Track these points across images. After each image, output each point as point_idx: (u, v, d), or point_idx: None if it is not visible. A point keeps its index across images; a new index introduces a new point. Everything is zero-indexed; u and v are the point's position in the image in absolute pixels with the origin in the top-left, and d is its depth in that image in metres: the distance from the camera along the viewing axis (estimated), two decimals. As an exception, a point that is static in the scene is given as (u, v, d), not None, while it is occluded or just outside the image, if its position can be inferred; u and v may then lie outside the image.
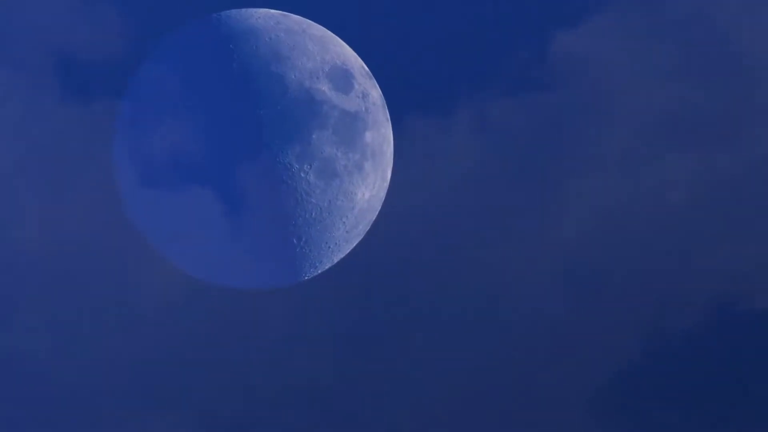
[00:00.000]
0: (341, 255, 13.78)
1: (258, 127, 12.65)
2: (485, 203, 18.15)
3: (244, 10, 13.43)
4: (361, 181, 13.20)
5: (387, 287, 17.93)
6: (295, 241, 13.07)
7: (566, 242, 18.27)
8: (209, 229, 13.14)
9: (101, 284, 17.68)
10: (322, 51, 13.15)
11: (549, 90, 18.48)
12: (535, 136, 18.38)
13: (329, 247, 13.42)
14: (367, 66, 13.72)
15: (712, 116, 18.21)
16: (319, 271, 13.76)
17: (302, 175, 12.69)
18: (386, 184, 13.81)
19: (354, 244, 13.84)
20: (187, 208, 13.22)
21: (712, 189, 18.12)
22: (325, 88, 12.88)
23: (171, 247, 13.82)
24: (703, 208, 18.12)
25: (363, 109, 13.20)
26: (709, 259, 18.05)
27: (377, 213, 13.89)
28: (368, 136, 13.25)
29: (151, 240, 13.94)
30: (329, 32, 13.58)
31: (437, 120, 18.24)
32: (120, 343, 17.74)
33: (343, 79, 13.15)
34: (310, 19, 13.59)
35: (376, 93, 13.64)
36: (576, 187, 18.31)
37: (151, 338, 17.81)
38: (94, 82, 18.48)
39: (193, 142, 12.91)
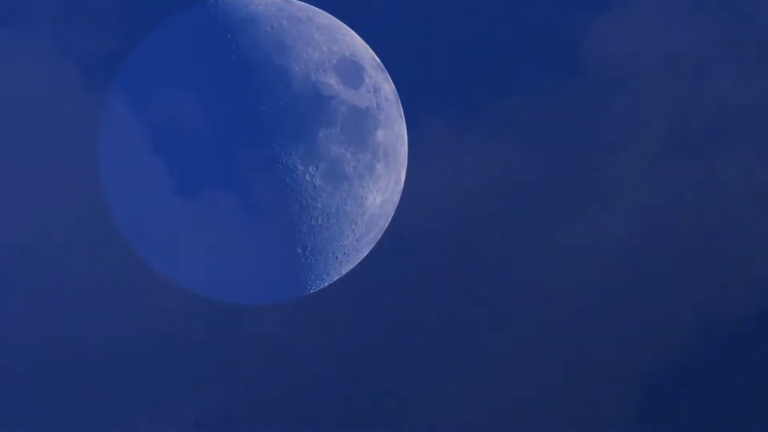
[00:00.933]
0: (350, 266, 13.29)
1: (258, 125, 12.13)
2: (508, 209, 17.49)
3: (243, -5, 13.01)
4: (372, 185, 12.72)
5: (400, 301, 17.27)
6: (299, 250, 12.55)
7: (596, 247, 17.73)
8: (204, 239, 12.52)
9: (85, 293, 16.79)
10: (330, 41, 12.67)
11: (576, 86, 17.99)
12: (561, 137, 17.78)
13: (337, 257, 12.92)
14: (379, 57, 13.26)
15: (762, 111, 17.34)
16: (326, 284, 13.30)
17: (307, 177, 12.19)
18: (400, 188, 13.31)
19: (364, 254, 13.35)
20: (179, 216, 12.56)
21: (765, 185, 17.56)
22: (332, 81, 12.39)
23: (162, 259, 13.18)
24: (752, 206, 17.58)
25: (374, 104, 12.69)
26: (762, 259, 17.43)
27: (390, 219, 13.39)
28: (380, 134, 12.74)
29: (140, 251, 13.28)
30: (337, 20, 13.15)
31: (456, 117, 17.53)
32: (110, 363, 17.05)
33: (352, 72, 12.66)
34: (315, 5, 13.21)
35: (388, 87, 13.12)
36: (606, 190, 17.74)
37: (144, 355, 17.13)
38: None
39: (186, 143, 12.31)
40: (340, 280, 13.43)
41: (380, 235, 13.44)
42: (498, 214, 17.34)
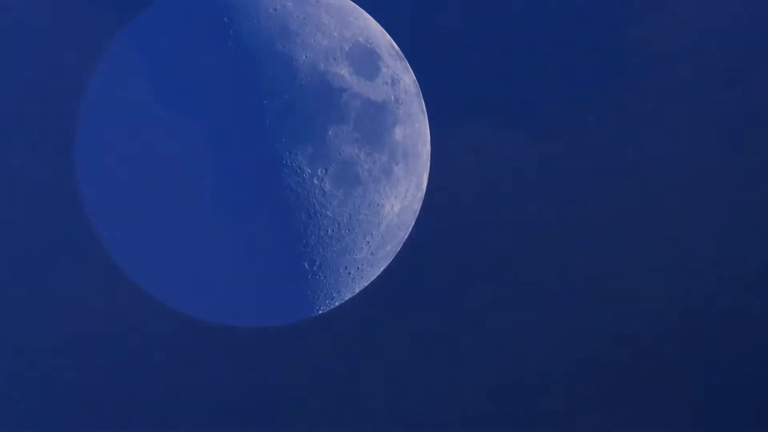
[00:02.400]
0: (364, 283, 12.60)
1: (260, 121, 11.37)
2: (543, 217, 16.42)
3: (242, -26, 12.36)
4: (389, 190, 12.05)
5: (421, 322, 15.99)
6: (306, 265, 11.84)
7: (644, 260, 16.91)
8: (198, 253, 11.65)
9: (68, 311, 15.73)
10: (341, 25, 12.03)
11: (623, 85, 17.12)
12: (605, 139, 16.84)
13: (349, 272, 12.22)
14: (398, 44, 12.64)
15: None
16: (337, 303, 12.62)
17: (315, 182, 11.52)
18: (421, 194, 12.62)
19: (380, 269, 12.64)
20: (169, 227, 11.57)
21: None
22: (344, 72, 11.69)
23: (150, 276, 12.23)
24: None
25: (392, 98, 12.04)
26: None
27: (410, 229, 12.70)
28: (399, 132, 12.05)
29: (124, 266, 12.31)
30: (349, 1, 12.54)
31: (485, 112, 16.27)
32: (98, 382, 16.10)
33: (367, 61, 11.95)
34: (325, -15, 12.44)
35: (408, 78, 12.43)
36: (648, 197, 17.02)
37: (134, 376, 16.11)
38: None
39: (177, 143, 11.45)
40: (353, 298, 12.78)
41: (399, 248, 12.72)
42: (534, 222, 16.30)
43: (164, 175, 11.41)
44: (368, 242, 12.10)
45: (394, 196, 12.11)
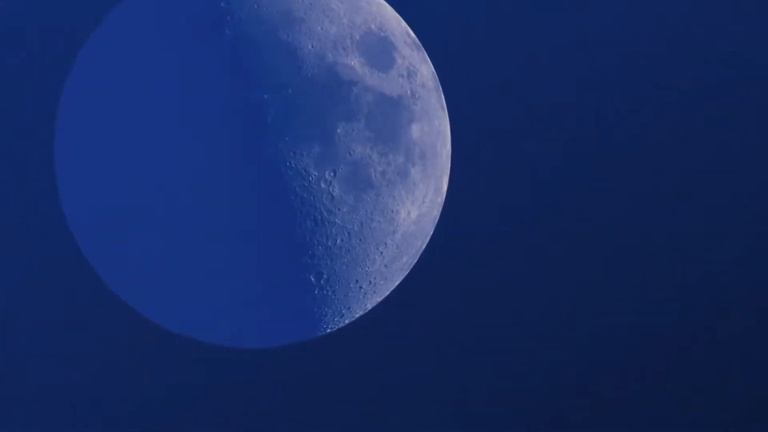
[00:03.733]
0: (377, 298, 12.07)
1: (260, 118, 10.75)
2: (573, 226, 15.69)
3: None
4: (405, 195, 11.47)
5: (441, 343, 15.12)
6: (312, 279, 11.26)
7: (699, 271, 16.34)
8: (189, 267, 10.86)
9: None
10: (351, 11, 11.47)
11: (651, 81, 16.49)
12: (645, 139, 16.24)
13: (361, 287, 11.64)
14: (415, 32, 12.12)
15: None
16: (347, 321, 12.12)
17: (323, 185, 10.97)
18: (441, 199, 12.05)
19: (395, 283, 12.11)
20: (157, 238, 10.71)
21: None
22: (354, 63, 11.10)
23: (137, 292, 11.43)
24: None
25: (408, 92, 11.41)
26: None
27: (428, 238, 12.13)
28: (416, 130, 11.45)
29: (109, 282, 11.54)
30: None
31: (511, 107, 15.54)
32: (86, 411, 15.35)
33: (380, 51, 11.33)
34: (333, -35, 11.87)
35: (426, 70, 11.82)
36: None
37: (123, 400, 15.34)
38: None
39: (166, 143, 10.69)
40: (365, 316, 12.25)
41: (416, 259, 12.13)
42: (562, 232, 15.47)
43: (152, 179, 10.61)
44: (381, 253, 11.50)
45: (410, 201, 11.49)
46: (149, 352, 14.78)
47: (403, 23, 11.90)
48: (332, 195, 10.94)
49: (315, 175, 10.85)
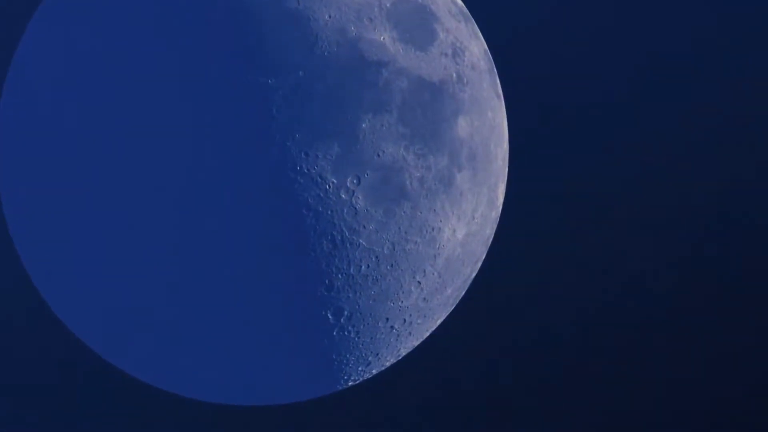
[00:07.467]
0: (414, 341, 10.30)
1: (266, 109, 9.01)
2: (651, 239, 14.14)
3: None
4: (450, 208, 9.74)
5: (494, 400, 13.10)
6: (330, 317, 9.51)
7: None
8: (175, 305, 8.99)
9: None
10: None
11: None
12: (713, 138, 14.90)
13: (392, 327, 9.86)
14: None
15: None
16: (374, 372, 10.37)
17: (343, 196, 9.30)
18: (496, 213, 10.35)
19: (437, 322, 10.35)
20: (134, 265, 8.77)
21: None
22: (384, 38, 9.39)
23: (109, 339, 9.44)
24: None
25: (453, 76, 9.70)
26: None
27: (480, 263, 10.43)
28: (463, 125, 9.71)
29: (71, 326, 9.60)
30: None
31: (583, 95, 13.47)
32: None
33: (417, 23, 9.60)
34: None
35: (477, 48, 10.10)
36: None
37: None
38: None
39: (147, 141, 8.89)
40: (397, 365, 10.42)
41: (463, 292, 10.29)
42: (640, 246, 13.56)
43: (126, 185, 8.67)
44: (419, 283, 9.61)
45: (456, 217, 9.62)
46: (137, 413, 12.96)
47: (447, -13, 9.87)
48: (355, 209, 9.11)
49: (333, 182, 9.04)
